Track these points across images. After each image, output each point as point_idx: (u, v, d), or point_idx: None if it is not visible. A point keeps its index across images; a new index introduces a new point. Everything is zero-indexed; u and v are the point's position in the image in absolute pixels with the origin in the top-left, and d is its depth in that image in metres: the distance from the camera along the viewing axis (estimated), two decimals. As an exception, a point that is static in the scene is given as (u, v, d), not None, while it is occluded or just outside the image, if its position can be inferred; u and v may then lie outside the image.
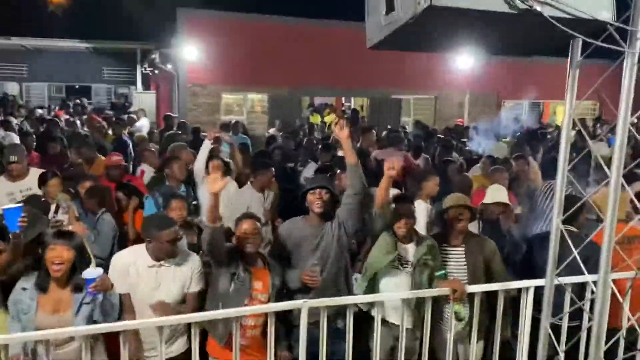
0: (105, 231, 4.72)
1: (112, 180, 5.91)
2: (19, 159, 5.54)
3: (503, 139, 10.24)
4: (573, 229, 4.10)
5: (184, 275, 3.65)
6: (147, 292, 3.54)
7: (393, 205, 3.93)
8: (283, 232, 4.05)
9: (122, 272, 3.55)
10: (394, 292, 3.80)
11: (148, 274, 3.57)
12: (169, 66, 15.21)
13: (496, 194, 4.93)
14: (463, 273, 4.00)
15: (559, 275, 3.33)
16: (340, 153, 8.49)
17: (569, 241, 3.18)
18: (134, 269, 3.56)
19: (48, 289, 3.22)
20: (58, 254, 3.17)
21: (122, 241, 4.85)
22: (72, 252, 3.21)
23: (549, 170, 5.71)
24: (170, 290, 3.59)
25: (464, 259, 4.04)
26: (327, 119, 14.99)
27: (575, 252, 3.19)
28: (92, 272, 3.17)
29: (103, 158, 7.03)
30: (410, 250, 3.91)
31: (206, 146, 5.97)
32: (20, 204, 3.34)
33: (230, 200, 5.60)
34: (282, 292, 3.83)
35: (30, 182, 5.39)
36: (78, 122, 13.41)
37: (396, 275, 3.86)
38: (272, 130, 12.35)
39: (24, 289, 3.21)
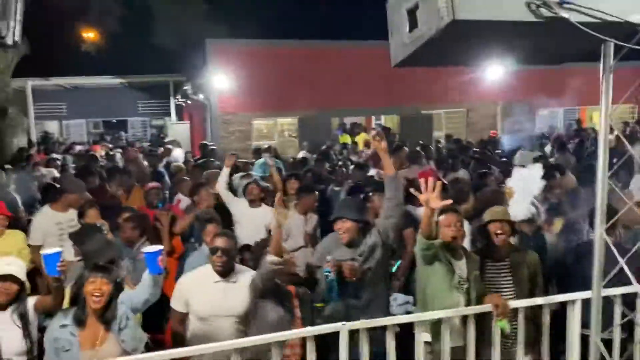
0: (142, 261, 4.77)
1: (149, 205, 6.05)
2: (76, 191, 5.94)
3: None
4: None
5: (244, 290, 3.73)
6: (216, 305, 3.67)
7: (441, 217, 3.76)
8: (320, 247, 4.15)
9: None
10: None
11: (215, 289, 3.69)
12: (201, 96, 15.54)
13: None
14: (510, 288, 3.90)
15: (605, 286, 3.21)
16: (371, 172, 8.48)
17: (615, 250, 3.07)
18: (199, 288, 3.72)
19: (86, 324, 3.23)
20: (98, 287, 3.19)
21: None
22: (111, 285, 3.24)
23: (587, 178, 5.55)
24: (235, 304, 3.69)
25: (510, 274, 3.94)
26: (359, 138, 14.96)
27: (622, 262, 3.07)
28: (152, 247, 3.31)
29: (140, 188, 7.21)
30: (463, 266, 3.78)
31: (225, 173, 6.26)
32: (60, 249, 3.28)
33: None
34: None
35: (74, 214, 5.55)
36: (117, 155, 13.75)
37: (452, 295, 3.71)
38: (302, 153, 12.41)
39: (63, 325, 3.22)
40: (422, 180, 3.42)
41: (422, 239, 3.54)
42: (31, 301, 3.48)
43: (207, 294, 3.67)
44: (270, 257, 3.44)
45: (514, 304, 3.66)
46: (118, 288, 3.34)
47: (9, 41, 2.09)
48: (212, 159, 10.32)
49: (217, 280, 3.70)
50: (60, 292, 3.35)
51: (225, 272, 3.71)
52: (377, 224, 3.99)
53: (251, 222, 5.77)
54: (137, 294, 3.46)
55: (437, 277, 3.70)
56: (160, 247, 3.32)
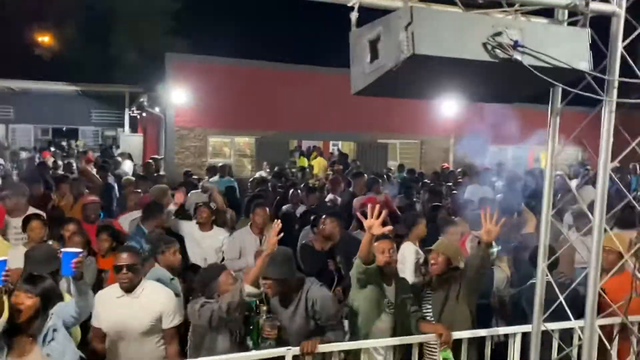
0: (88, 275, 4.63)
1: (87, 219, 5.93)
2: (16, 195, 5.95)
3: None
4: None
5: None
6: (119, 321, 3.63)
7: (375, 243, 3.83)
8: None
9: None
10: (380, 337, 3.75)
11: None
12: (157, 109, 15.32)
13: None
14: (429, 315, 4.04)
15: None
16: (329, 197, 8.53)
17: (555, 287, 3.17)
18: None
19: (14, 335, 3.12)
20: (20, 301, 3.09)
21: (99, 285, 4.76)
22: (36, 299, 3.13)
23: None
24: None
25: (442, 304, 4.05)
26: (315, 162, 15.05)
27: (562, 297, 3.18)
28: (72, 249, 3.20)
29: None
30: (392, 291, 3.95)
31: (172, 209, 6.37)
32: (4, 258, 3.10)
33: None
34: None
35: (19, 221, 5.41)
36: (68, 163, 13.33)
37: (380, 317, 3.88)
38: (260, 173, 12.37)
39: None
40: (369, 207, 3.52)
41: (360, 264, 3.66)
42: None
43: (111, 309, 3.67)
44: (249, 289, 3.31)
45: (457, 334, 3.72)
46: (47, 301, 3.20)
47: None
48: (161, 174, 10.17)
49: (120, 296, 3.70)
50: (1, 303, 3.15)
51: (131, 287, 3.69)
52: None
53: (201, 245, 5.68)
54: (68, 306, 3.35)
55: (368, 300, 3.85)
56: (79, 250, 3.23)
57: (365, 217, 3.49)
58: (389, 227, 3.59)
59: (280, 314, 3.68)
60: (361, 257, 3.63)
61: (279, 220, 3.64)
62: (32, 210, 5.91)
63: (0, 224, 5.20)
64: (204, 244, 5.70)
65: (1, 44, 18.04)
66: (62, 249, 3.29)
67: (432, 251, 4.15)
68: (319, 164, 14.71)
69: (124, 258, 3.67)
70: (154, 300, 3.70)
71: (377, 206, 3.52)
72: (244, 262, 5.44)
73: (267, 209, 5.97)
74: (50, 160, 13.99)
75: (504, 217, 3.90)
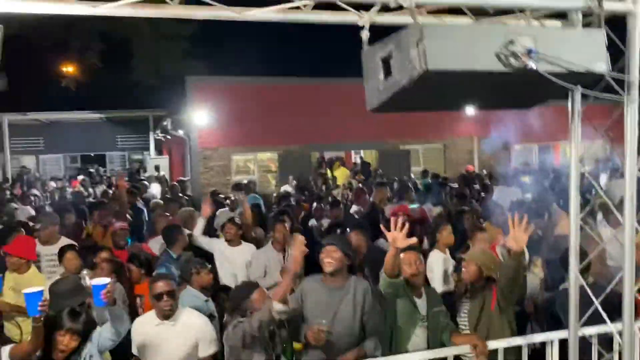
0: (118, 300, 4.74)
1: (116, 245, 6.07)
2: (48, 224, 6.17)
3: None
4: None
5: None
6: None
7: (401, 255, 3.75)
8: (299, 291, 3.87)
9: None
10: (414, 351, 3.70)
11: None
12: (181, 131, 15.55)
13: None
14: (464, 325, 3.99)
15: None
16: (353, 209, 8.51)
17: (589, 291, 3.11)
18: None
19: None
20: (65, 343, 3.20)
21: (131, 313, 4.84)
22: (79, 340, 3.25)
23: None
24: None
25: (467, 311, 4.02)
26: (337, 173, 15.05)
27: (597, 302, 3.11)
28: (100, 280, 3.25)
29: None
30: (423, 303, 3.87)
31: (201, 222, 6.23)
32: (41, 288, 3.23)
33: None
34: None
35: (56, 249, 5.53)
36: (97, 190, 13.63)
37: (415, 331, 3.80)
38: (285, 187, 12.43)
39: None
40: (392, 220, 3.49)
41: (385, 278, 3.61)
42: (6, 349, 3.36)
43: (149, 336, 3.69)
44: (278, 306, 3.30)
45: (493, 344, 3.65)
46: (86, 336, 3.31)
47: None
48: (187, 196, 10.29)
49: (157, 323, 3.71)
50: (40, 334, 3.25)
51: (172, 314, 3.72)
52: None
53: (230, 261, 5.69)
54: (103, 332, 3.44)
55: (400, 314, 3.78)
56: (107, 280, 3.31)
57: (389, 230, 3.47)
58: (414, 240, 3.54)
59: (325, 310, 3.64)
60: (386, 270, 3.58)
61: (301, 236, 3.65)
62: (63, 239, 6.08)
63: (34, 255, 5.29)
64: (233, 260, 5.69)
65: (29, 78, 18.58)
66: (92, 282, 3.34)
67: (464, 260, 4.11)
68: (342, 174, 14.70)
69: (161, 286, 3.69)
70: (191, 327, 3.72)
71: (401, 218, 3.49)
72: (271, 280, 5.38)
73: (287, 225, 5.95)
74: (80, 189, 14.29)
75: (534, 220, 3.83)
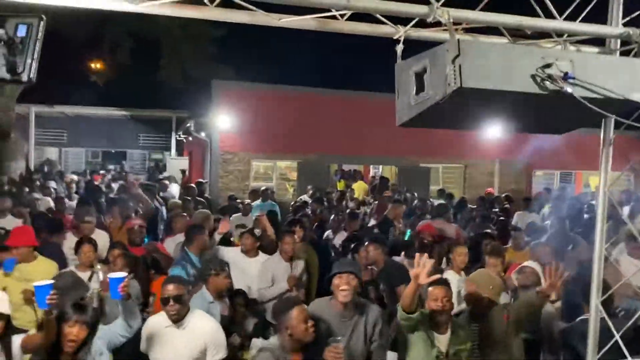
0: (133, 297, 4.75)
1: (132, 243, 6.13)
2: (90, 219, 6.50)
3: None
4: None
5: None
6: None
7: (429, 289, 3.67)
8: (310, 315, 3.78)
9: None
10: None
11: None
12: (202, 134, 15.66)
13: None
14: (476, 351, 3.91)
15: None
16: (371, 222, 8.48)
17: (610, 323, 3.04)
18: None
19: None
20: (75, 333, 3.21)
21: (143, 309, 4.89)
22: (88, 330, 3.26)
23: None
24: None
25: (477, 336, 3.95)
26: (356, 186, 15.02)
27: (617, 336, 3.04)
28: (118, 273, 3.35)
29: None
30: (445, 340, 3.69)
31: (217, 239, 6.40)
32: (51, 282, 3.26)
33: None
34: None
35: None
36: (114, 185, 13.77)
37: None
38: (303, 197, 12.46)
39: None
40: (417, 256, 3.36)
41: (401, 311, 3.47)
42: (17, 339, 3.38)
43: (158, 338, 3.69)
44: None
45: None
46: (94, 328, 3.32)
47: (24, 78, 2.13)
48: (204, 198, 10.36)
49: (167, 325, 3.70)
50: (51, 327, 3.25)
51: (179, 319, 3.69)
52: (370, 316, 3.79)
53: (246, 272, 5.64)
54: (114, 328, 3.47)
55: (416, 347, 3.64)
56: (124, 274, 3.39)
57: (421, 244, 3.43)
58: (437, 276, 3.45)
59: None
60: (403, 305, 3.44)
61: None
62: (97, 232, 6.35)
63: (34, 241, 5.14)
64: (249, 270, 5.66)
65: (58, 71, 18.89)
66: (109, 275, 3.39)
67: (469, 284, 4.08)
68: (359, 188, 14.66)
69: (169, 290, 3.67)
70: (200, 332, 3.70)
71: (426, 257, 3.33)
72: (278, 290, 5.40)
73: (299, 235, 5.93)
74: (101, 183, 14.47)
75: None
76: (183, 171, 17.92)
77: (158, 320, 3.78)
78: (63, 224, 6.86)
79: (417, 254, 3.38)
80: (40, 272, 5.01)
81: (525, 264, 4.85)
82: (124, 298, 3.34)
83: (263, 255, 5.92)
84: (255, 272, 5.61)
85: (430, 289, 3.62)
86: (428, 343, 3.62)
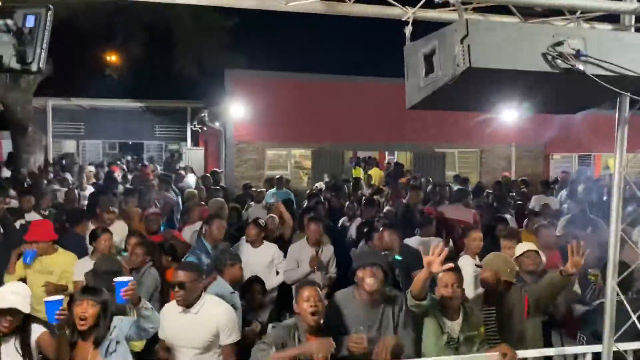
0: (147, 284, 4.86)
1: (149, 231, 6.23)
2: (114, 209, 6.71)
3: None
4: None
5: None
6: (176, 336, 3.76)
7: (440, 275, 3.64)
8: (335, 304, 3.78)
9: None
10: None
11: None
12: (217, 124, 15.73)
13: (524, 246, 4.76)
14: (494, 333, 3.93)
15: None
16: (385, 209, 8.47)
17: (627, 305, 3.01)
18: None
19: (77, 344, 3.31)
20: (84, 309, 3.27)
21: (163, 296, 4.96)
22: (98, 307, 3.30)
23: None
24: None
25: (494, 319, 3.97)
26: (372, 172, 14.98)
27: (634, 317, 3.01)
28: (123, 278, 3.30)
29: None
30: (456, 326, 3.69)
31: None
32: (61, 297, 3.26)
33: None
34: None
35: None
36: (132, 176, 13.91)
37: (440, 352, 3.64)
38: (319, 184, 12.48)
39: None
40: (432, 245, 3.39)
41: (410, 298, 3.49)
42: (35, 333, 3.43)
43: (172, 323, 3.75)
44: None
45: (523, 353, 3.58)
46: (106, 310, 3.36)
47: (34, 68, 2.15)
48: (220, 187, 10.42)
49: (181, 311, 3.75)
50: (64, 342, 3.28)
51: (188, 304, 3.72)
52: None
53: (249, 262, 5.53)
54: (128, 322, 3.49)
55: (427, 332, 3.68)
56: (129, 278, 3.35)
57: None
58: (451, 265, 3.41)
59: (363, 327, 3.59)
60: (413, 291, 3.44)
61: None
62: (117, 223, 6.48)
63: (52, 235, 5.21)
64: (253, 260, 5.60)
65: (73, 64, 19.05)
66: (114, 279, 3.36)
67: (483, 267, 4.08)
68: (375, 174, 14.62)
69: (179, 276, 3.71)
70: (212, 315, 3.73)
71: (441, 243, 3.40)
72: (302, 271, 5.52)
73: (321, 223, 5.96)
74: (119, 175, 14.62)
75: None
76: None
77: (172, 306, 3.84)
78: (84, 214, 6.92)
79: (433, 243, 3.40)
80: (61, 263, 5.12)
81: (526, 248, 4.77)
82: (133, 302, 3.32)
83: (268, 245, 5.90)
84: (262, 262, 5.63)
85: (440, 275, 3.60)
86: (438, 329, 3.63)
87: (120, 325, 3.43)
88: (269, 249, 5.86)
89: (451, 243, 6.40)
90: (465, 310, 3.75)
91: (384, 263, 3.80)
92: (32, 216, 7.17)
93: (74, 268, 5.08)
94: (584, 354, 3.64)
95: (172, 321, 3.76)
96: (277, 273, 5.72)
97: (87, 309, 3.27)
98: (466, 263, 5.17)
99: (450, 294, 3.62)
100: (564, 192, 10.99)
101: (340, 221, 8.14)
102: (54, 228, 5.36)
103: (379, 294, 3.67)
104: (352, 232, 7.47)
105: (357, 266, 3.71)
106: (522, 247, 4.72)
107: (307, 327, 3.36)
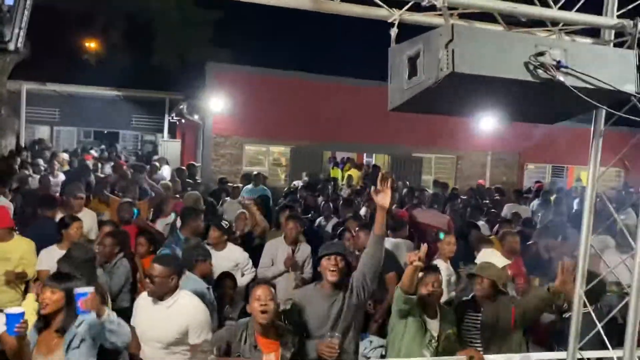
0: (118, 275, 4.82)
1: (122, 220, 6.17)
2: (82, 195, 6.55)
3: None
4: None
5: None
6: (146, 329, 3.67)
7: (420, 274, 3.73)
8: (296, 302, 3.85)
9: None
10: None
11: None
12: (196, 116, 15.57)
13: (485, 257, 4.83)
14: (477, 340, 3.97)
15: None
16: (362, 211, 8.49)
17: (593, 314, 3.07)
18: None
19: (43, 330, 3.26)
20: (46, 295, 3.21)
21: (134, 286, 4.92)
22: (59, 294, 3.21)
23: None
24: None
25: (478, 325, 4.01)
26: (352, 173, 15.03)
27: (600, 326, 3.07)
28: (84, 288, 3.15)
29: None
30: (435, 325, 3.83)
31: None
32: (22, 310, 3.12)
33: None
34: None
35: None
36: (107, 167, 13.70)
37: (421, 352, 3.76)
38: (296, 182, 12.46)
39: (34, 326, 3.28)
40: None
41: (400, 293, 3.57)
42: None
43: (144, 313, 3.70)
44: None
45: (490, 358, 3.63)
46: (71, 298, 3.19)
47: (11, 47, 2.10)
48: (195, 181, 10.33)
49: (155, 302, 3.67)
50: (24, 353, 3.19)
51: (158, 297, 3.66)
52: (353, 276, 3.73)
53: (218, 265, 5.28)
54: (103, 329, 3.25)
55: (409, 333, 3.74)
56: (89, 289, 3.12)
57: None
58: (434, 264, 3.55)
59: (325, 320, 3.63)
60: (403, 286, 3.55)
61: None
62: (86, 210, 6.36)
63: (8, 222, 5.10)
64: (219, 264, 5.29)
65: (50, 49, 18.64)
66: (13, 309, 3.14)
67: (476, 276, 4.11)
68: (355, 175, 14.65)
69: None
70: (184, 313, 3.63)
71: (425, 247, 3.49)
72: (277, 270, 5.47)
73: (299, 221, 5.92)
74: (91, 163, 14.36)
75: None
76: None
77: (146, 298, 3.77)
78: (56, 200, 6.78)
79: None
80: (18, 250, 5.00)
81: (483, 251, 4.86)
82: (96, 314, 3.12)
83: (232, 247, 5.68)
84: (226, 265, 5.36)
85: (420, 274, 3.72)
86: (422, 328, 3.73)
87: (90, 323, 3.25)
88: (233, 253, 5.59)
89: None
90: (441, 309, 3.91)
91: (344, 252, 3.81)
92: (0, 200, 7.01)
93: (31, 255, 4.99)
94: (549, 361, 3.71)
95: (143, 312, 3.70)
96: (243, 275, 5.52)
97: (49, 296, 3.20)
98: (439, 267, 5.23)
99: (431, 291, 3.79)
100: (535, 202, 11.18)
101: (317, 220, 8.15)
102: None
103: (339, 284, 3.66)
104: (329, 230, 7.48)
105: (321, 255, 3.74)
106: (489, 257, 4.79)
107: (258, 327, 3.36)
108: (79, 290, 3.11)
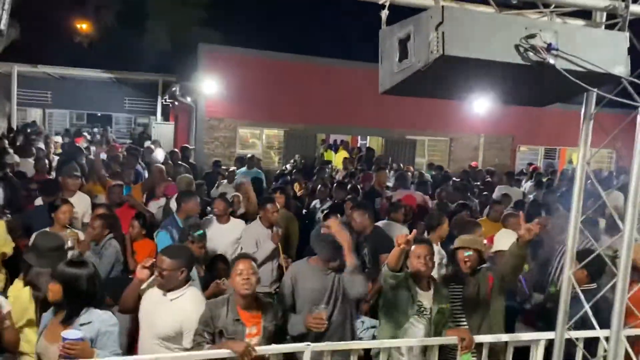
0: (107, 255, 4.82)
1: (112, 202, 6.16)
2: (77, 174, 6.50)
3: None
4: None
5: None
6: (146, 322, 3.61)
7: (413, 247, 3.77)
8: (288, 277, 3.92)
9: None
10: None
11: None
12: (189, 99, 15.47)
13: (506, 236, 4.86)
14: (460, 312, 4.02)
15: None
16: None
17: (581, 294, 3.11)
18: None
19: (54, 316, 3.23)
20: (50, 285, 3.19)
21: (125, 267, 4.95)
22: (57, 286, 3.13)
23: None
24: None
25: (461, 297, 4.05)
26: (338, 155, 15.03)
27: (587, 306, 3.11)
28: (73, 332, 2.87)
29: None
30: (428, 297, 3.84)
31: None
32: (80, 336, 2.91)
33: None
34: (285, 337, 3.65)
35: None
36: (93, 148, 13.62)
37: (412, 322, 3.77)
38: (289, 165, 12.45)
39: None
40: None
41: (387, 271, 3.60)
42: None
43: (149, 303, 3.56)
44: None
45: (479, 338, 3.68)
46: (73, 289, 3.13)
47: (-4, 29, 2.07)
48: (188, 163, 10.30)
49: (164, 294, 3.53)
50: (12, 333, 3.20)
51: (164, 289, 3.54)
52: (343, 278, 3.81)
53: (219, 238, 5.53)
54: (113, 335, 3.16)
55: (400, 305, 3.76)
56: (79, 335, 2.86)
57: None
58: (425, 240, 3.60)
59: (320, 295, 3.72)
60: (389, 263, 3.55)
61: None
62: (79, 193, 6.26)
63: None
64: (222, 236, 5.58)
65: (42, 30, 18.42)
66: (61, 333, 2.91)
67: (463, 248, 4.07)
68: (340, 157, 14.66)
69: (161, 261, 3.52)
70: (183, 311, 3.49)
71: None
72: (264, 251, 5.42)
73: (278, 203, 5.90)
74: (83, 145, 14.27)
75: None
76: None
77: (156, 290, 3.62)
78: (58, 185, 6.67)
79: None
80: None
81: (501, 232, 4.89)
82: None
83: (235, 221, 5.86)
84: (229, 238, 5.56)
85: (413, 247, 3.74)
86: (410, 298, 3.74)
87: (100, 326, 3.10)
88: (237, 226, 5.79)
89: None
90: (435, 284, 3.92)
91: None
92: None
93: (4, 234, 5.01)
94: (537, 340, 3.75)
95: (148, 302, 3.56)
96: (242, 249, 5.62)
97: (51, 285, 3.17)
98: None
99: (423, 265, 3.76)
100: (529, 184, 11.23)
101: (313, 203, 8.17)
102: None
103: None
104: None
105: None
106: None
107: (240, 299, 3.41)
108: (66, 333, 2.84)
